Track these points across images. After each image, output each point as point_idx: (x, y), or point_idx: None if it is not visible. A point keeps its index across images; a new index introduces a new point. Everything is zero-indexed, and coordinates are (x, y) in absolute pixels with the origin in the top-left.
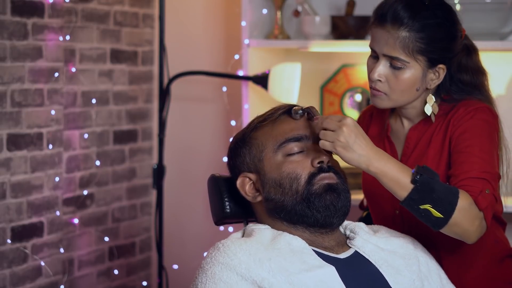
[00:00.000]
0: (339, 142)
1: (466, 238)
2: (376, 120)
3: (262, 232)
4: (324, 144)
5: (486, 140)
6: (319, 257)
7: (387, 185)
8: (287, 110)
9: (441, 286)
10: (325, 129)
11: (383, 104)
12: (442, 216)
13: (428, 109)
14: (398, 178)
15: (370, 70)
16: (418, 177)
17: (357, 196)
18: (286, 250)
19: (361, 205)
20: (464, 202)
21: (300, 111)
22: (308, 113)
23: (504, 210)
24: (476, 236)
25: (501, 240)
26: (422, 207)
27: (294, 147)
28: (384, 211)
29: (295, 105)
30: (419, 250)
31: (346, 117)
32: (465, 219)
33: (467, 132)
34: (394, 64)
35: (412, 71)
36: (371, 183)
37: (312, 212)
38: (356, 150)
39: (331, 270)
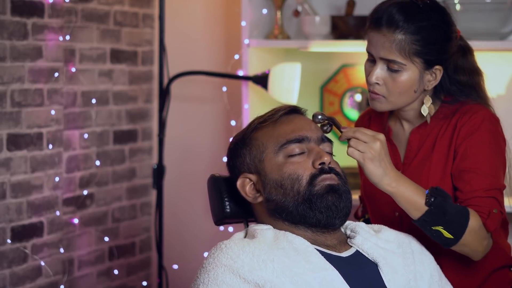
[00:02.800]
0: (370, 154)
1: (473, 256)
2: (375, 123)
3: (264, 232)
4: (353, 152)
5: (493, 152)
6: (322, 257)
7: (402, 205)
8: (288, 111)
9: (439, 286)
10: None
11: (382, 107)
12: (452, 237)
13: (424, 110)
14: (413, 200)
15: (368, 74)
16: (432, 199)
17: (357, 195)
18: (289, 250)
19: (356, 214)
20: (474, 224)
21: (320, 117)
22: (332, 122)
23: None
24: (483, 254)
25: (502, 248)
26: (434, 228)
27: (296, 148)
28: (383, 213)
29: (296, 106)
30: (416, 250)
31: (379, 133)
32: (474, 240)
33: (474, 147)
34: (391, 67)
35: (409, 73)
36: (371, 186)
37: (314, 213)
38: (381, 166)
39: (335, 273)
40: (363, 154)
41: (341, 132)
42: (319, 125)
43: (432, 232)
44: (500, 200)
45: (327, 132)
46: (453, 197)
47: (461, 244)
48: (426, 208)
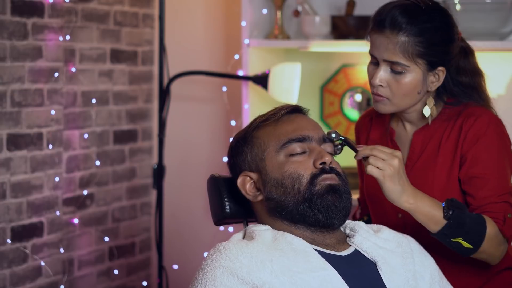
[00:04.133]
0: (389, 171)
1: (491, 261)
2: (376, 124)
3: (263, 233)
4: (372, 170)
5: (502, 156)
6: (321, 257)
7: (420, 220)
8: (290, 110)
9: (440, 286)
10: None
11: (386, 109)
12: (472, 247)
13: (427, 111)
14: (431, 214)
15: (371, 76)
16: (450, 212)
17: (357, 196)
18: (288, 250)
19: (354, 217)
20: (491, 231)
21: (334, 135)
22: (346, 142)
23: None
24: (500, 258)
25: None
26: (453, 240)
27: (297, 147)
28: (386, 215)
29: (298, 106)
30: (416, 250)
31: (396, 151)
32: (492, 247)
33: (483, 152)
34: (395, 69)
35: (413, 74)
36: (374, 187)
37: (314, 212)
38: (400, 183)
39: (334, 273)
40: (382, 172)
41: (356, 151)
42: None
43: (451, 244)
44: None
45: (337, 154)
46: (462, 201)
47: (479, 252)
48: (444, 221)
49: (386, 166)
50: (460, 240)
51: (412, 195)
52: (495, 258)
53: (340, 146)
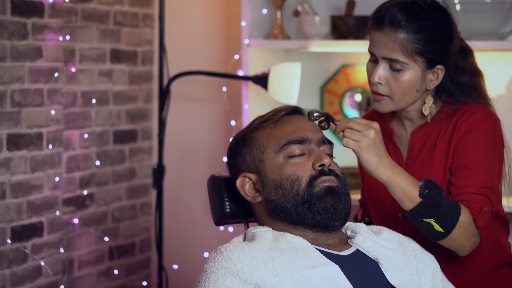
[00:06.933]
0: (365, 142)
1: (459, 252)
2: None
3: (263, 234)
4: (348, 142)
5: (490, 151)
6: (322, 254)
7: (396, 195)
8: (289, 112)
9: (441, 285)
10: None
11: (386, 108)
12: (442, 231)
13: (426, 109)
14: (407, 190)
15: (370, 74)
16: (426, 191)
17: (357, 196)
18: (289, 249)
19: (355, 218)
20: (464, 219)
21: (316, 114)
22: (327, 117)
23: (505, 210)
24: (470, 250)
25: (503, 246)
26: (425, 220)
27: (296, 149)
28: (386, 213)
29: (297, 107)
30: (417, 249)
31: (373, 122)
32: (462, 236)
33: (472, 144)
34: (394, 66)
35: (412, 72)
36: (374, 186)
37: (313, 214)
38: (377, 154)
39: (335, 267)
40: (358, 143)
41: (335, 125)
42: (316, 122)
43: (422, 224)
44: (492, 199)
45: (325, 129)
46: (447, 191)
47: (449, 238)
48: (419, 199)
49: (362, 137)
50: (432, 221)
51: (390, 168)
52: (465, 249)
53: (326, 122)
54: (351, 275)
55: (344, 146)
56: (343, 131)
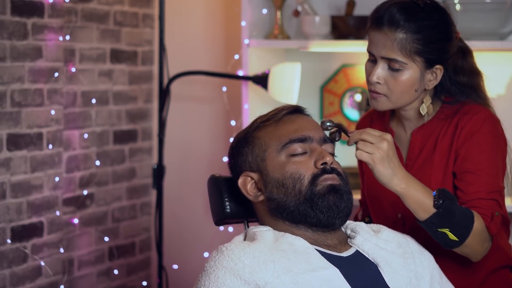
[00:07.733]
0: (378, 155)
1: (472, 257)
2: (376, 126)
3: (264, 234)
4: (361, 155)
5: (494, 154)
6: (323, 257)
7: (410, 206)
8: (291, 111)
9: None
10: (364, 141)
11: (383, 106)
12: (457, 239)
13: (423, 109)
14: (421, 201)
15: (369, 74)
16: (440, 202)
17: (358, 196)
18: (289, 251)
19: (356, 218)
20: (478, 226)
21: (328, 124)
22: (340, 128)
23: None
24: (482, 255)
25: (503, 248)
26: (440, 230)
27: (298, 148)
28: (386, 214)
29: (299, 106)
30: (416, 250)
31: (386, 133)
32: (476, 242)
33: (475, 148)
34: (392, 66)
35: (410, 72)
36: (374, 187)
37: (315, 212)
38: (390, 166)
39: (335, 271)
40: (371, 155)
41: (348, 136)
42: (327, 132)
43: (437, 233)
44: (501, 202)
45: (337, 140)
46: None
47: (464, 246)
48: (434, 210)
49: (375, 150)
50: (446, 231)
51: (404, 179)
52: (477, 255)
53: (337, 133)
54: (351, 277)
55: (357, 158)
56: (356, 142)
